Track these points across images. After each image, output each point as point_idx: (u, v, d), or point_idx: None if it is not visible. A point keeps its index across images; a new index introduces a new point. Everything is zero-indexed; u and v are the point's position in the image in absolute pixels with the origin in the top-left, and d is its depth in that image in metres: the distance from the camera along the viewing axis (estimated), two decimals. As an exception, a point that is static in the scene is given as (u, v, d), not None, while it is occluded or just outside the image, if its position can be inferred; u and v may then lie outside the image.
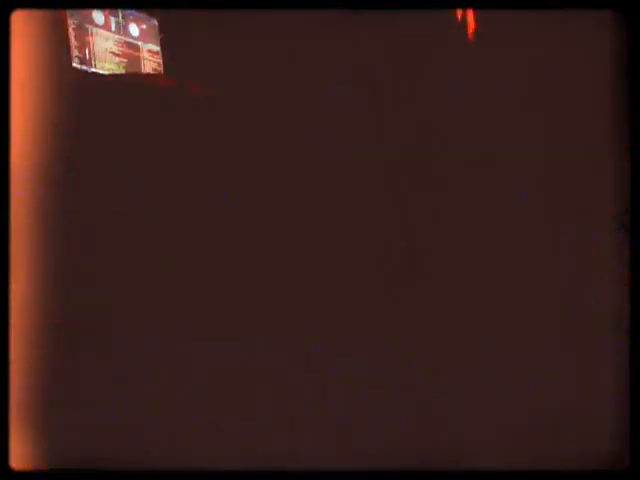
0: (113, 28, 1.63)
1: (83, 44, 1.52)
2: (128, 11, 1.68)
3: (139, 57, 1.72)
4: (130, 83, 1.39)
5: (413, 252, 1.58)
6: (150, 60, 1.75)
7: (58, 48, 1.16)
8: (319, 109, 1.59)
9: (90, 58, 1.54)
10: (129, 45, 1.68)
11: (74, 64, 1.49)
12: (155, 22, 1.76)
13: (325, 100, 1.60)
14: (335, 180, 1.56)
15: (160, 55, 1.78)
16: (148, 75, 1.70)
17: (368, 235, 1.56)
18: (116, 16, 1.64)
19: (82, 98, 1.32)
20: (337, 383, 1.23)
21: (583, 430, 1.05)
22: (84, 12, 1.54)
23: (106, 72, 1.58)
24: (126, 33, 1.67)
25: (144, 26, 1.73)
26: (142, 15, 1.73)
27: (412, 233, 1.59)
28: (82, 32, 1.52)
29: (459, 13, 1.73)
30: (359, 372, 1.25)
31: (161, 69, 1.78)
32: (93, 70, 1.55)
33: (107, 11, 1.61)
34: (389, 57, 1.62)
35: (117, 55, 1.64)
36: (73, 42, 1.49)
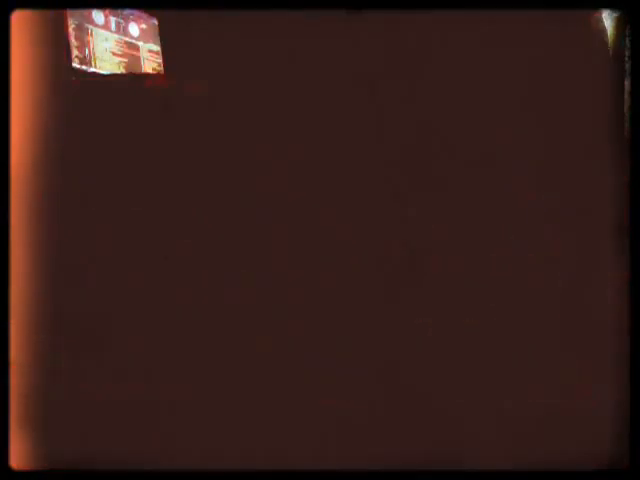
0: (113, 28, 1.63)
1: (83, 44, 1.52)
2: (128, 11, 1.67)
3: (139, 57, 1.71)
4: (130, 83, 1.39)
5: (413, 252, 1.58)
6: (150, 60, 1.75)
7: (58, 48, 1.16)
8: (319, 109, 1.59)
9: (90, 58, 1.54)
10: (129, 45, 1.68)
11: (74, 64, 1.49)
12: (155, 22, 1.76)
13: (325, 100, 1.60)
14: (335, 180, 1.56)
15: (160, 55, 1.78)
16: (148, 75, 1.70)
17: (367, 235, 1.56)
18: (116, 16, 1.64)
19: (82, 98, 1.32)
20: (337, 383, 1.23)
21: (583, 430, 1.05)
22: (84, 12, 1.53)
23: (106, 72, 1.58)
24: (126, 33, 1.67)
25: (144, 26, 1.73)
26: (142, 15, 1.72)
27: (412, 233, 1.59)
28: (82, 32, 1.52)
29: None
30: (359, 372, 1.25)
31: (161, 69, 1.78)
32: (93, 70, 1.55)
33: (107, 11, 1.61)
34: (389, 57, 1.62)
35: (117, 55, 1.64)
36: (73, 42, 1.49)
